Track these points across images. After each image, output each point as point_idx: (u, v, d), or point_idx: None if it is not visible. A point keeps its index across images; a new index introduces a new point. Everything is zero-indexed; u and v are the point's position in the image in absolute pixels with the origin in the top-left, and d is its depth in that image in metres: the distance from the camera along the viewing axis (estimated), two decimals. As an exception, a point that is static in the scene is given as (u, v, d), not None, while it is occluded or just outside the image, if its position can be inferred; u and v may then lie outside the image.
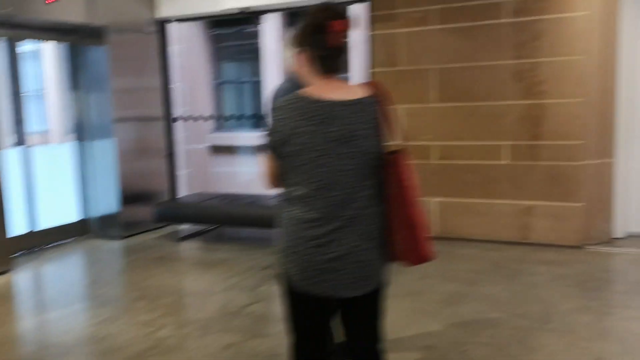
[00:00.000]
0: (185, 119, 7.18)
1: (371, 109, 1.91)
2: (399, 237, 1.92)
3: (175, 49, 7.96)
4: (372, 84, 1.99)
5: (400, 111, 5.71)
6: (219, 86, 8.62)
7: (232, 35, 8.56)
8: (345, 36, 1.93)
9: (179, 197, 6.63)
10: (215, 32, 8.50)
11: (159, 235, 6.29)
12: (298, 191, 1.91)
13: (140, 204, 6.27)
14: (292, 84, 2.80)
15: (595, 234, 5.28)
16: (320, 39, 1.90)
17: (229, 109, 8.63)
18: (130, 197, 6.19)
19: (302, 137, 1.86)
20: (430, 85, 5.59)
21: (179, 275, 4.90)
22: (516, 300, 3.96)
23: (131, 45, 6.27)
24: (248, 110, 8.58)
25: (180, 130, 7.36)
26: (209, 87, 8.49)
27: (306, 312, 2.03)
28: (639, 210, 5.39)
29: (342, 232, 1.88)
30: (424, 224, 1.91)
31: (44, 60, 18.97)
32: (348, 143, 1.86)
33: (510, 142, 5.34)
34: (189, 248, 5.85)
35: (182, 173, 7.34)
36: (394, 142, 1.95)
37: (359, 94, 1.92)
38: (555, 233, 5.26)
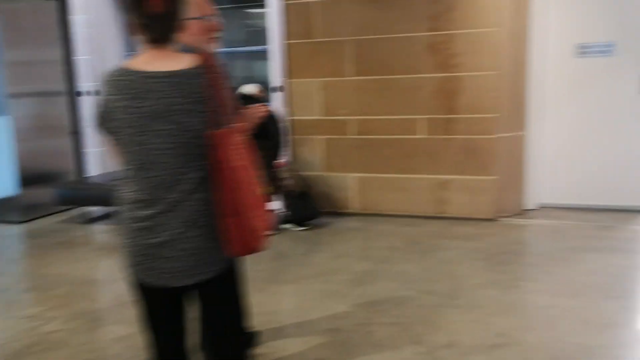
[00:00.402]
0: (91, 93, 6.72)
1: (195, 82, 1.71)
2: (224, 224, 1.76)
3: (81, 19, 7.44)
4: (202, 54, 1.78)
5: (317, 85, 5.54)
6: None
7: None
8: (170, 2, 1.74)
9: (85, 177, 6.24)
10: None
11: (65, 218, 5.90)
12: (126, 171, 1.77)
13: (43, 186, 5.84)
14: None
15: (508, 206, 5.32)
16: (136, 5, 1.71)
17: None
18: (31, 178, 5.76)
19: (119, 113, 1.69)
20: (346, 57, 5.43)
21: (78, 262, 4.58)
22: (427, 277, 3.91)
23: (27, 14, 5.77)
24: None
25: (89, 106, 6.90)
26: (121, 60, 8.01)
27: (152, 304, 1.87)
28: (549, 182, 5.47)
29: (165, 216, 1.73)
30: (254, 211, 1.75)
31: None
32: (165, 119, 1.68)
33: (427, 116, 5.27)
34: (95, 232, 5.51)
35: (92, 152, 6.90)
36: (225, 118, 1.75)
37: (183, 65, 1.72)
38: (471, 207, 5.27)
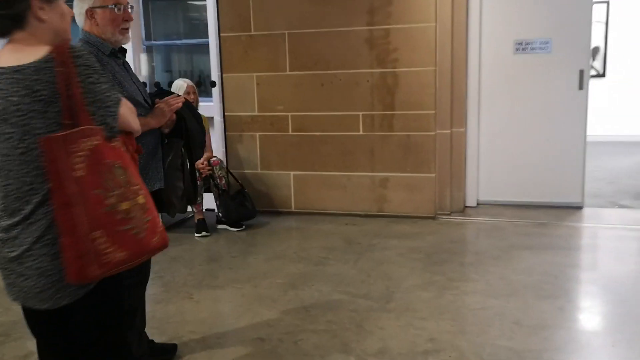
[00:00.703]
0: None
1: (40, 78, 1.48)
2: (60, 244, 1.53)
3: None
4: (56, 45, 1.56)
5: (253, 80, 5.33)
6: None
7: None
8: None
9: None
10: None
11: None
12: None
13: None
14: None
15: (448, 204, 5.27)
16: None
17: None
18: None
19: None
20: (282, 52, 5.24)
21: None
22: (362, 279, 3.78)
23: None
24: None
25: None
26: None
27: (29, 323, 1.69)
28: (489, 179, 5.44)
29: (20, 229, 1.52)
30: (97, 232, 1.49)
31: None
32: (7, 121, 1.46)
33: (365, 112, 5.15)
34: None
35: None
36: (85, 119, 1.54)
37: (30, 59, 1.50)
38: (410, 204, 5.19)
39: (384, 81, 5.06)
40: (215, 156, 5.08)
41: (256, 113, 5.39)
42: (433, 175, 5.12)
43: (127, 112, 1.63)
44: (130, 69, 2.54)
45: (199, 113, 2.77)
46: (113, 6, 2.36)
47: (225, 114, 5.48)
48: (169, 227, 5.03)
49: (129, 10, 2.43)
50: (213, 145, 5.33)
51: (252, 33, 5.27)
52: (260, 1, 5.20)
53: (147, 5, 7.61)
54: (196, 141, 2.66)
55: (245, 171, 5.51)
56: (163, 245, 1.65)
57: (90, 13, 2.35)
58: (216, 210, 5.06)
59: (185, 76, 7.82)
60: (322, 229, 4.98)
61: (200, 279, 3.85)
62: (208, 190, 5.03)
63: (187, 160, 2.65)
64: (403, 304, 3.38)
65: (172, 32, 7.90)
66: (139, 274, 2.41)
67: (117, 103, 1.59)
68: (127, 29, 2.42)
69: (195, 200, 2.76)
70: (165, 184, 2.48)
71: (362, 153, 5.22)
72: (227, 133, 5.51)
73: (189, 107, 2.66)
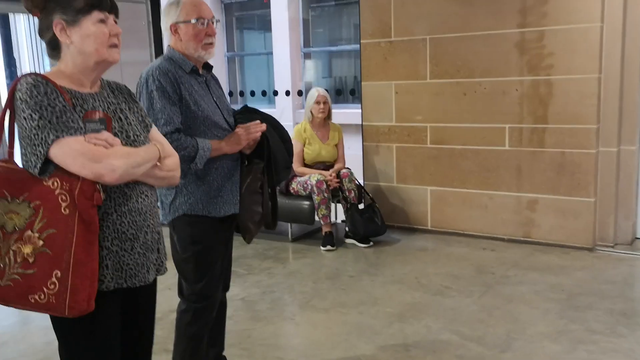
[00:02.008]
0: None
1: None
2: None
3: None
4: (17, 78, 1.51)
5: (392, 88, 5.06)
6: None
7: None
8: None
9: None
10: (227, 2, 8.04)
11: None
12: None
13: None
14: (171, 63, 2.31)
15: (611, 234, 4.48)
16: None
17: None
18: None
19: None
20: (422, 58, 4.89)
21: None
22: (481, 318, 3.33)
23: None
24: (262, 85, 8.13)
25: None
26: (221, 60, 8.08)
27: None
28: (669, 207, 4.52)
29: None
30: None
31: None
32: None
33: (512, 125, 4.59)
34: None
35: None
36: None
37: None
38: (563, 231, 4.51)
39: (535, 90, 4.45)
40: (346, 168, 4.91)
41: (394, 123, 5.11)
42: (592, 199, 4.39)
43: (68, 154, 1.49)
44: (216, 86, 2.46)
45: (286, 133, 2.60)
46: (196, 20, 2.30)
47: (363, 123, 5.29)
48: (298, 238, 5.00)
49: (213, 24, 2.36)
50: (351, 156, 5.19)
51: (392, 39, 5.00)
52: (402, 4, 4.91)
53: (307, 11, 7.73)
54: (279, 164, 2.50)
55: (381, 184, 5.26)
56: (46, 310, 1.50)
57: (174, 28, 2.32)
58: (345, 224, 4.90)
59: (340, 82, 7.82)
60: (454, 252, 4.54)
61: (309, 298, 3.71)
62: (338, 202, 4.90)
63: (268, 184, 2.49)
64: (521, 355, 2.89)
65: (336, 37, 7.93)
66: (199, 301, 2.32)
67: (45, 143, 1.48)
68: (211, 44, 2.34)
69: (274, 226, 2.60)
70: (241, 209, 2.36)
71: (507, 170, 4.67)
72: (364, 143, 5.32)
73: (274, 127, 2.52)
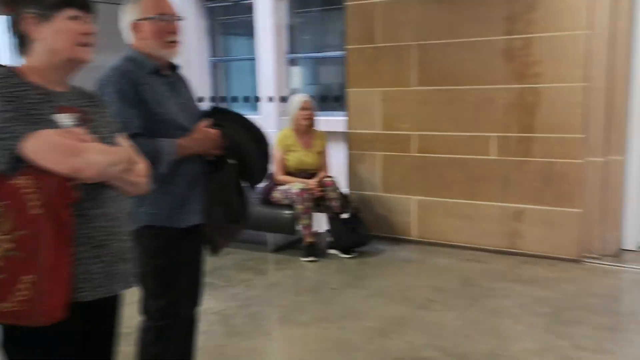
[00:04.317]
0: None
1: None
2: None
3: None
4: None
5: (378, 95, 4.97)
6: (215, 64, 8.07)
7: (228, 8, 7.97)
8: None
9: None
10: (211, 5, 7.92)
11: None
12: None
13: None
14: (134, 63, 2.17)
15: (598, 245, 4.40)
16: None
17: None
18: None
19: None
20: (408, 65, 4.80)
21: None
22: (465, 333, 3.22)
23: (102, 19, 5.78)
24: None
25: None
26: (205, 65, 7.95)
27: None
28: (657, 218, 4.46)
29: None
30: None
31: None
32: None
33: (499, 134, 4.51)
34: None
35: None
36: None
37: None
38: (549, 243, 4.42)
39: (522, 99, 4.38)
40: (330, 176, 4.80)
41: (379, 131, 5.01)
42: (579, 210, 4.31)
43: (41, 148, 1.37)
44: (183, 87, 2.32)
45: (261, 133, 2.43)
46: (157, 17, 2.16)
47: (348, 131, 5.19)
48: (280, 249, 4.87)
49: (177, 21, 2.23)
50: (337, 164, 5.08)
51: (378, 45, 4.91)
52: (388, 10, 4.82)
53: (293, 17, 7.63)
54: (253, 166, 2.34)
55: (366, 193, 5.15)
56: (13, 319, 1.37)
57: (134, 26, 2.18)
58: (326, 234, 4.78)
59: (327, 89, 7.69)
60: (439, 264, 4.44)
61: (288, 312, 3.59)
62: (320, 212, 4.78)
63: (241, 188, 2.35)
64: (506, 374, 2.79)
65: (322, 44, 7.81)
66: (162, 318, 2.18)
67: (15, 136, 1.37)
68: (175, 42, 2.21)
69: (245, 223, 2.43)
70: (206, 219, 2.23)
71: (493, 180, 4.58)
72: (349, 151, 5.21)
73: (247, 128, 2.36)
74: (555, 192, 4.36)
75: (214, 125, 2.21)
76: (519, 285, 3.94)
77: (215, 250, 2.30)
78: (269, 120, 7.15)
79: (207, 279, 4.09)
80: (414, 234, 4.97)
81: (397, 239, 5.02)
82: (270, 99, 7.18)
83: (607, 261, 4.34)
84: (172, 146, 2.09)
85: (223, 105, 7.74)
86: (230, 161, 2.31)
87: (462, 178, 4.71)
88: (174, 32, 2.20)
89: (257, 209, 4.80)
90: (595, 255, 4.38)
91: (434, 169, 4.82)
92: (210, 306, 3.63)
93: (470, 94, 4.57)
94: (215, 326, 3.38)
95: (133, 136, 2.02)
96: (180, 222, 2.18)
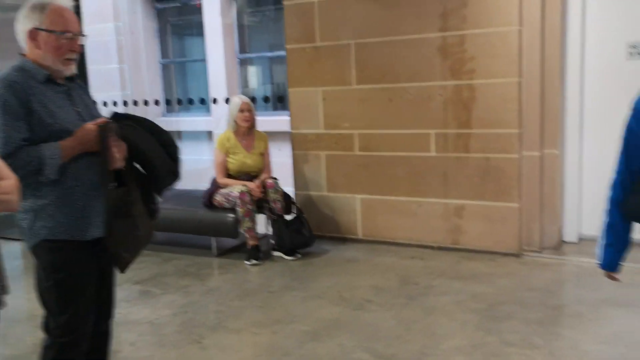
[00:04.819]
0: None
1: None
2: None
3: (109, 27, 7.35)
4: None
5: (319, 94, 4.93)
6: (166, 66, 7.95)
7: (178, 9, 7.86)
8: None
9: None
10: (161, 7, 7.79)
11: None
12: None
13: None
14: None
15: (539, 239, 4.44)
16: None
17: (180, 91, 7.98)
18: None
19: None
20: (348, 63, 4.77)
21: None
22: (398, 334, 3.21)
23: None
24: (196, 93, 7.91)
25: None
26: (155, 67, 7.82)
27: None
28: (595, 210, 4.50)
29: None
30: None
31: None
32: None
33: (438, 130, 4.51)
34: None
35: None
36: None
37: None
38: (490, 237, 4.45)
39: (458, 95, 4.39)
40: (273, 178, 4.75)
41: (322, 130, 4.98)
42: (517, 205, 4.34)
43: None
44: (81, 95, 2.24)
45: (168, 136, 2.35)
46: (61, 33, 2.09)
47: (291, 131, 5.15)
48: (223, 253, 4.81)
49: (80, 39, 2.16)
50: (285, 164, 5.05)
51: (318, 44, 4.87)
52: (326, 9, 4.79)
53: (245, 17, 7.55)
54: (159, 170, 2.26)
55: (311, 193, 5.12)
56: None
57: (33, 34, 2.09)
58: (270, 237, 4.74)
59: (281, 89, 7.63)
60: (382, 263, 4.43)
61: (222, 318, 3.53)
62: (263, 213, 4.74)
63: (147, 197, 2.29)
64: (431, 373, 2.78)
65: (276, 43, 7.74)
66: (64, 335, 2.12)
67: None
68: (73, 59, 2.15)
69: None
70: (108, 234, 2.15)
71: (434, 177, 4.59)
72: (293, 152, 5.17)
73: (152, 131, 2.29)
74: (494, 188, 4.38)
75: (116, 132, 2.15)
76: (458, 281, 3.95)
77: (121, 266, 2.23)
78: (222, 122, 7.07)
79: (144, 288, 4.05)
80: (360, 232, 4.96)
81: (343, 239, 5.00)
82: (214, 101, 7.09)
83: (547, 254, 4.39)
84: (55, 149, 2.01)
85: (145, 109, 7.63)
86: (136, 168, 2.25)
87: (404, 175, 4.71)
88: (75, 50, 2.13)
89: (200, 213, 4.75)
90: (535, 249, 4.42)
91: (377, 167, 4.81)
92: (143, 316, 3.57)
93: (409, 91, 4.57)
94: (145, 336, 3.31)
95: (13, 151, 1.95)
96: (82, 234, 2.12)
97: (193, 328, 3.41)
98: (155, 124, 2.33)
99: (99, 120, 2.11)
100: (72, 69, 2.16)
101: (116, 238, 2.15)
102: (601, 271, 2.09)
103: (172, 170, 2.34)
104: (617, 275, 2.03)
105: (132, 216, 2.20)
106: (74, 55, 2.14)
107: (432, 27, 4.40)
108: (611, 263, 2.01)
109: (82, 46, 2.18)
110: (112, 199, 2.14)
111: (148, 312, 3.60)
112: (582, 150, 4.44)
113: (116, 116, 2.25)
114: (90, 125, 2.08)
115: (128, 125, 2.20)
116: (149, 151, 2.24)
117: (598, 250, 2.04)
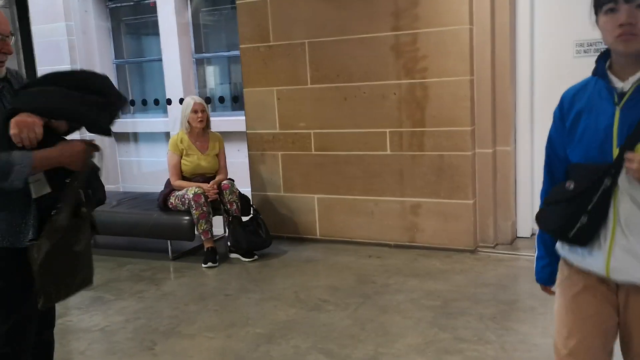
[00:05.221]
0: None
1: None
2: None
3: (61, 26, 7.16)
4: None
5: (273, 94, 4.90)
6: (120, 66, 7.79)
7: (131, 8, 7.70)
8: None
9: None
10: (113, 6, 7.63)
11: None
12: None
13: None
14: None
15: (491, 235, 4.50)
16: None
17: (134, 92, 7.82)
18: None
19: None
20: (302, 63, 4.75)
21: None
22: (352, 333, 3.20)
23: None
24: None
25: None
26: (109, 68, 7.65)
27: None
28: (546, 205, 4.60)
29: None
30: None
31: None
32: None
33: (392, 129, 4.53)
34: None
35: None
36: None
37: None
38: (446, 235, 4.49)
39: (412, 94, 4.42)
40: (228, 179, 4.69)
41: (277, 130, 4.95)
42: (471, 201, 4.39)
43: None
44: (9, 94, 2.13)
45: (86, 75, 2.20)
46: None
47: (247, 131, 5.10)
48: (180, 256, 4.74)
49: (9, 40, 2.07)
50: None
51: (271, 43, 4.83)
52: (279, 8, 4.75)
53: (202, 16, 7.44)
54: (90, 116, 2.07)
55: (268, 193, 5.09)
56: None
57: None
58: (227, 239, 4.68)
59: (237, 89, 7.55)
60: (339, 262, 4.43)
61: (176, 323, 3.47)
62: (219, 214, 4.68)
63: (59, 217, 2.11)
64: (383, 373, 2.78)
65: (234, 42, 7.65)
66: (4, 346, 2.04)
67: None
68: (2, 62, 2.06)
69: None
70: (41, 271, 1.99)
71: (390, 175, 4.61)
72: (249, 152, 5.13)
73: (86, 79, 2.12)
74: (448, 185, 4.43)
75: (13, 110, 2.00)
76: (413, 279, 3.97)
77: (44, 304, 2.09)
78: (177, 123, 6.96)
79: (97, 294, 3.95)
80: (318, 232, 4.95)
81: (301, 239, 4.98)
82: (169, 102, 6.98)
83: (501, 250, 4.45)
84: (26, 157, 1.92)
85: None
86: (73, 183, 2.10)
87: (361, 174, 4.71)
88: (6, 52, 2.05)
89: (155, 216, 4.67)
90: (489, 245, 4.48)
91: (333, 166, 4.80)
92: (94, 323, 3.49)
93: (363, 90, 4.58)
94: (96, 344, 3.23)
95: None
96: (20, 241, 2.03)
97: (146, 334, 3.34)
98: (88, 72, 2.18)
99: (88, 140, 2.03)
100: (2, 72, 2.08)
101: (49, 270, 2.02)
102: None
103: (105, 102, 2.07)
104: (552, 289, 1.81)
105: (73, 252, 2.09)
106: (5, 57, 2.07)
107: (384, 26, 4.42)
108: (544, 276, 1.84)
109: (11, 47, 2.09)
110: (47, 231, 2.02)
111: (100, 319, 3.52)
112: (533, 147, 4.52)
113: (44, 80, 2.09)
114: (79, 143, 2.00)
115: (30, 94, 2.05)
116: (65, 101, 2.04)
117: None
